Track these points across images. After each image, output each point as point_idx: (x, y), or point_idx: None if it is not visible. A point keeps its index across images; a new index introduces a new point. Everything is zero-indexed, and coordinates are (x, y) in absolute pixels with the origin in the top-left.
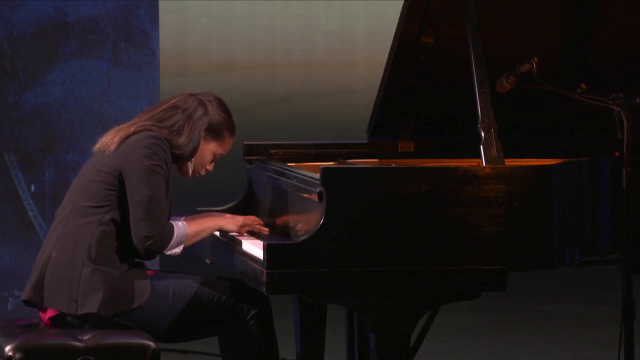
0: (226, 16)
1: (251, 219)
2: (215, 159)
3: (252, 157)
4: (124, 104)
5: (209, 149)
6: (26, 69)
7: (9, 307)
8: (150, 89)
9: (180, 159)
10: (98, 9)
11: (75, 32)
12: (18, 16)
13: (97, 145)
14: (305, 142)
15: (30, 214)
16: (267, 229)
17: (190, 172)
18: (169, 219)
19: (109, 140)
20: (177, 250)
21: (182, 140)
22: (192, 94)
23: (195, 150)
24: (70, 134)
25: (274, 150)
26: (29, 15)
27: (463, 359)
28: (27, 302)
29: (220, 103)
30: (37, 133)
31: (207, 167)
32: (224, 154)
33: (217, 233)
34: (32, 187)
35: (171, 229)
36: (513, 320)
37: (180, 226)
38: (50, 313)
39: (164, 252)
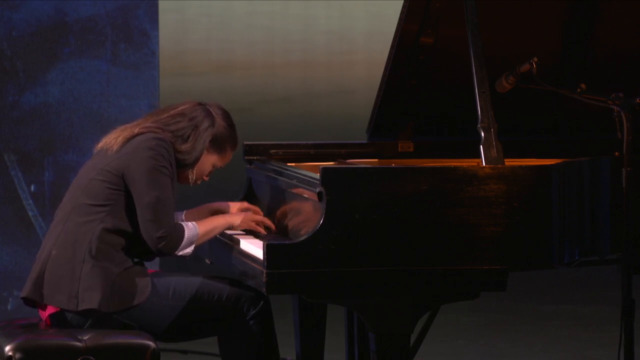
0: (226, 16)
1: (259, 216)
2: (213, 170)
3: (252, 157)
4: (123, 104)
5: (210, 161)
6: (26, 69)
7: (9, 307)
8: (149, 89)
9: (181, 165)
10: (97, 9)
11: (74, 32)
12: (18, 16)
13: (100, 145)
14: (305, 142)
15: (30, 214)
16: (274, 227)
17: (191, 180)
18: None
19: (112, 141)
20: (189, 250)
21: (185, 146)
22: (200, 104)
23: (197, 160)
24: (69, 134)
25: (273, 150)
26: (29, 15)
27: (463, 359)
28: (26, 300)
29: (226, 116)
30: (37, 133)
31: (204, 177)
32: (222, 166)
33: None
34: (32, 187)
35: (181, 230)
36: (513, 320)
37: (191, 227)
38: (50, 310)
39: (176, 253)
